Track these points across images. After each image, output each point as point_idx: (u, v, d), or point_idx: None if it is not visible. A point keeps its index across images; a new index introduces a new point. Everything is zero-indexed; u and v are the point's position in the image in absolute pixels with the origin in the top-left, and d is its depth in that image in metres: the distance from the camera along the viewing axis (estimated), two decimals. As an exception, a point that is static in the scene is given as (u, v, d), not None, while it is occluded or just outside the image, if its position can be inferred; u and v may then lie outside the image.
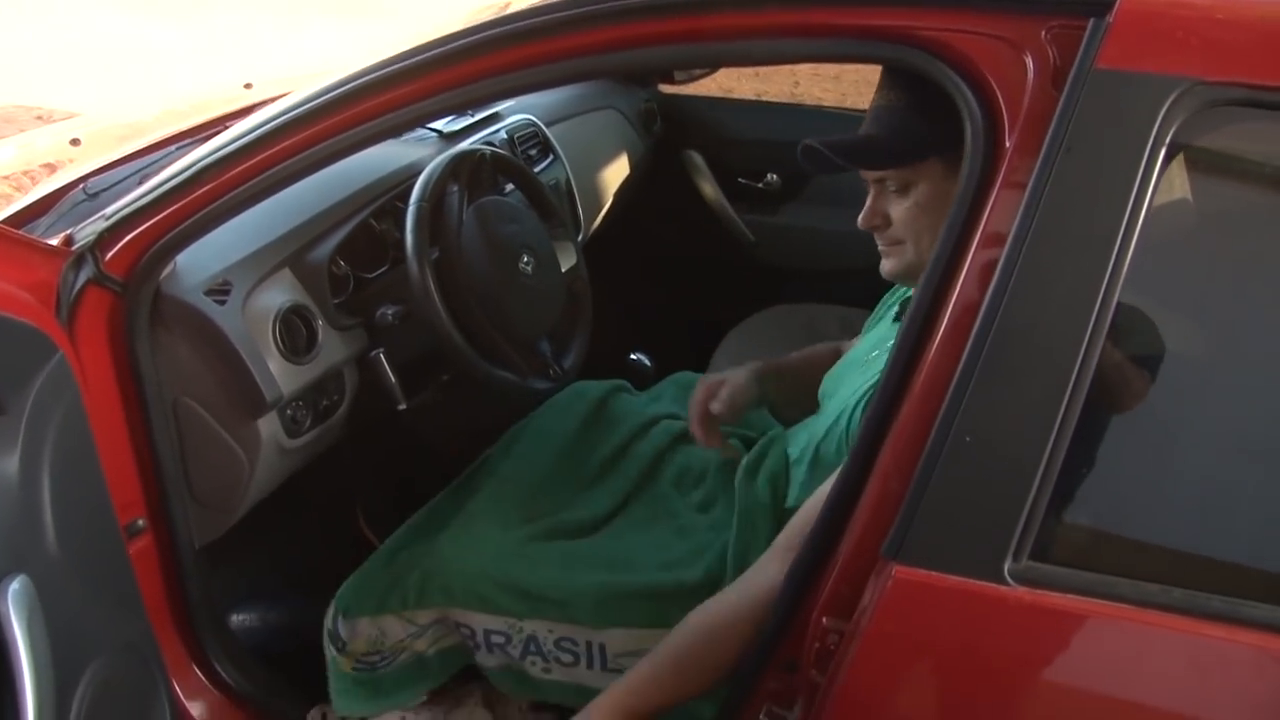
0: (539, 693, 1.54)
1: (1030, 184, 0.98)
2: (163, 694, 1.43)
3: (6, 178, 2.15)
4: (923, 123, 1.26)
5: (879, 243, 1.39)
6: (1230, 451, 1.05)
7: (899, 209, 1.33)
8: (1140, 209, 0.96)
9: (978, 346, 0.99)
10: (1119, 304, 0.97)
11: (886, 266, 1.39)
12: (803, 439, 1.56)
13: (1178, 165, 0.97)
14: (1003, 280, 0.98)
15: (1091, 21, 0.97)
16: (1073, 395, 0.97)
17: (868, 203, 1.37)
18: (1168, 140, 0.95)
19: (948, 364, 1.02)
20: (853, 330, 2.46)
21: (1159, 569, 1.02)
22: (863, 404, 1.40)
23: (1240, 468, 1.04)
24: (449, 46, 1.26)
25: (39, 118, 4.73)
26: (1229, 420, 1.04)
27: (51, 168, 2.44)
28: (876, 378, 1.33)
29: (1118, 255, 0.96)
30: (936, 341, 1.04)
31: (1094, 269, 0.97)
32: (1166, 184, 0.96)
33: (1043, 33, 1.01)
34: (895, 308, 1.54)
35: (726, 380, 1.66)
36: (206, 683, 1.65)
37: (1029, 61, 1.02)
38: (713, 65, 1.26)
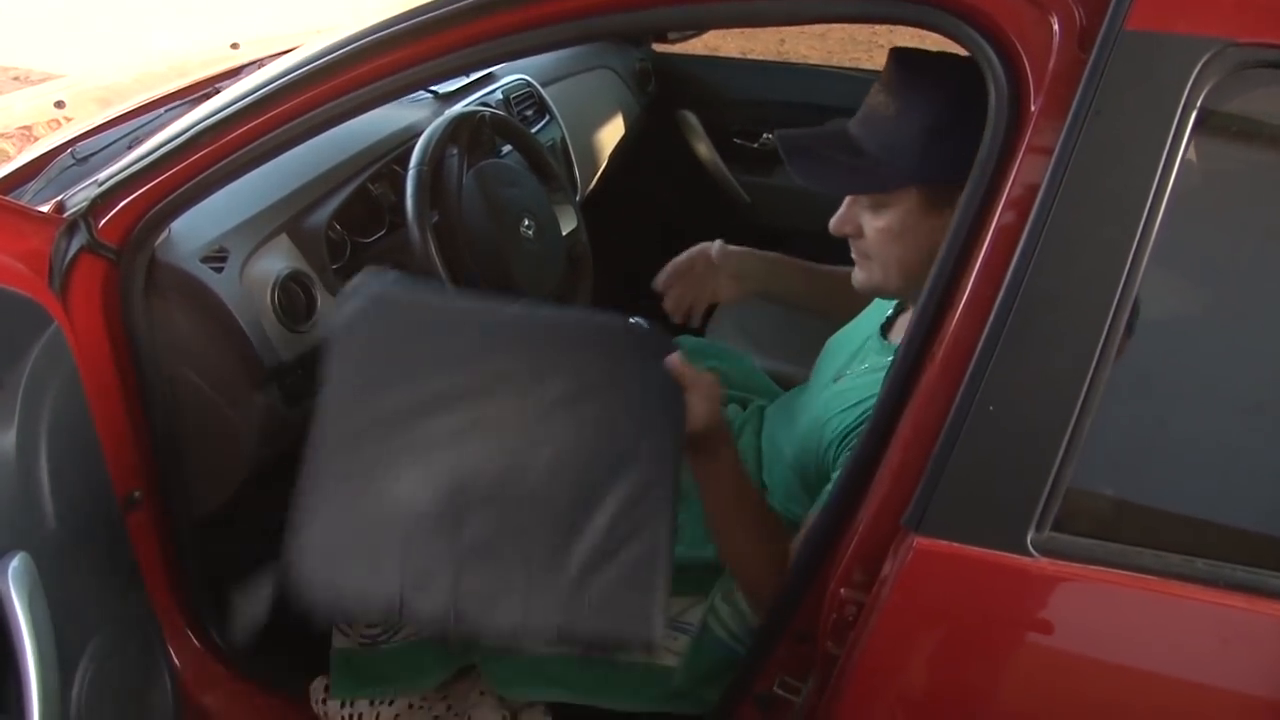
0: (532, 681, 1.49)
1: (1057, 148, 0.95)
2: (163, 667, 1.42)
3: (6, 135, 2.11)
4: (907, 144, 1.19)
5: (851, 251, 1.32)
6: (1256, 422, 1.03)
7: (871, 226, 1.26)
8: (1170, 173, 0.93)
9: (1002, 314, 0.97)
10: (1147, 271, 0.95)
11: (857, 278, 1.33)
12: (772, 449, 1.51)
13: (1209, 129, 0.94)
14: (1028, 246, 0.96)
15: (1121, -20, 0.94)
16: (1098, 364, 0.96)
17: (841, 209, 1.30)
18: (1199, 103, 0.93)
19: (970, 332, 1.00)
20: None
21: (1182, 540, 1.01)
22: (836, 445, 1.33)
23: (1265, 439, 1.03)
24: (450, 8, 1.22)
25: (16, 79, 4.64)
26: (1256, 390, 1.03)
27: (28, 129, 2.39)
28: (852, 417, 1.31)
29: (1146, 221, 0.94)
30: (959, 309, 1.01)
31: (1122, 235, 0.94)
32: (1197, 148, 0.94)
33: (1070, -8, 0.98)
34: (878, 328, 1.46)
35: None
36: (207, 654, 1.64)
37: (1055, 22, 0.99)
38: (729, 25, 1.22)
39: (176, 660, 1.56)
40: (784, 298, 1.69)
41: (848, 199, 1.28)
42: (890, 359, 1.25)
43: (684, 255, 1.62)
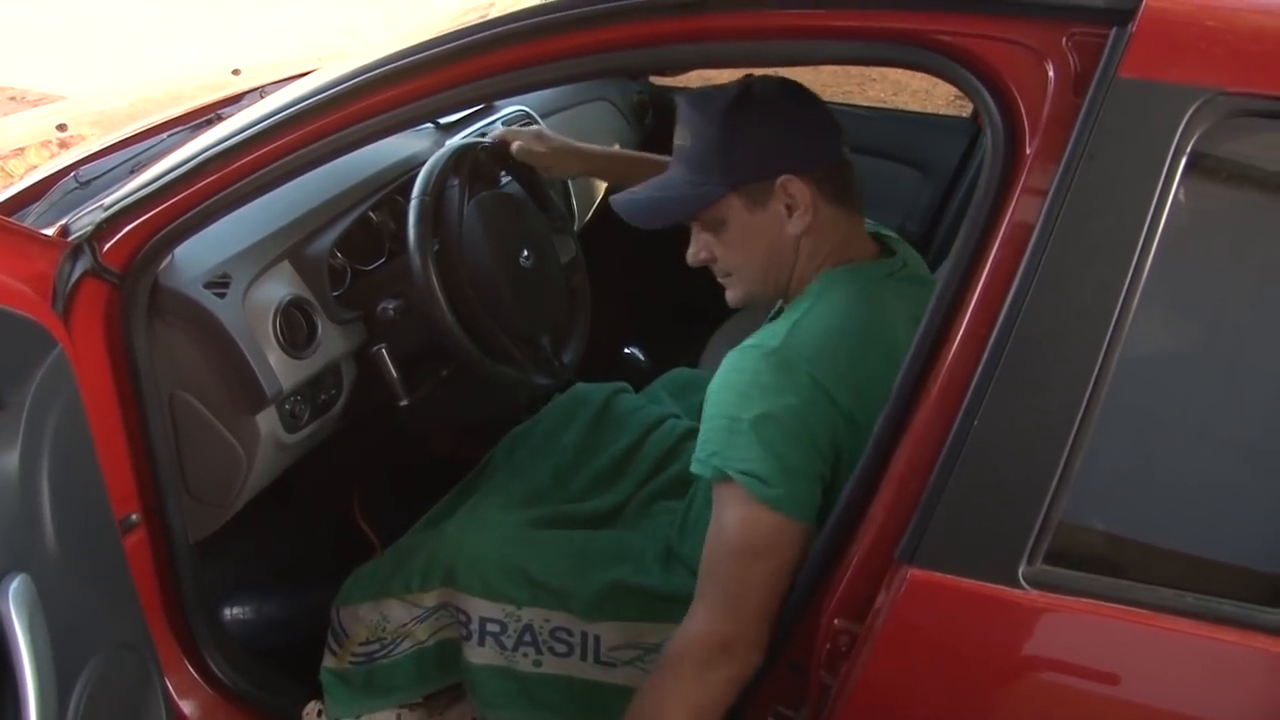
0: (519, 706, 1.52)
1: (1052, 190, 0.98)
2: (158, 691, 1.42)
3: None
4: (707, 162, 1.30)
5: (717, 276, 1.41)
6: (1246, 458, 1.06)
7: (717, 247, 1.36)
8: (1161, 217, 0.96)
9: (997, 351, 1.00)
10: (1138, 310, 0.97)
11: (732, 297, 1.41)
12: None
13: (1199, 174, 0.97)
14: (1023, 285, 0.99)
15: (1114, 30, 0.97)
16: (1090, 401, 0.98)
17: (691, 243, 1.39)
18: (1189, 149, 0.95)
19: (965, 368, 1.02)
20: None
21: (1173, 574, 1.03)
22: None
23: (1256, 474, 1.05)
24: (455, 44, 1.24)
25: (12, 98, 4.66)
26: (1246, 427, 1.05)
27: (21, 152, 2.41)
28: None
29: (1138, 262, 0.97)
30: (954, 346, 1.04)
31: (1114, 275, 0.97)
32: (1187, 193, 0.97)
33: (1064, 40, 1.01)
34: None
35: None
36: (200, 679, 1.64)
37: (1050, 69, 1.01)
38: (733, 65, 1.25)
39: (171, 685, 1.55)
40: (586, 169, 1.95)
41: (693, 233, 1.37)
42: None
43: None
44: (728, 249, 1.35)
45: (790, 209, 1.30)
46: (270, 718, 1.65)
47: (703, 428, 1.26)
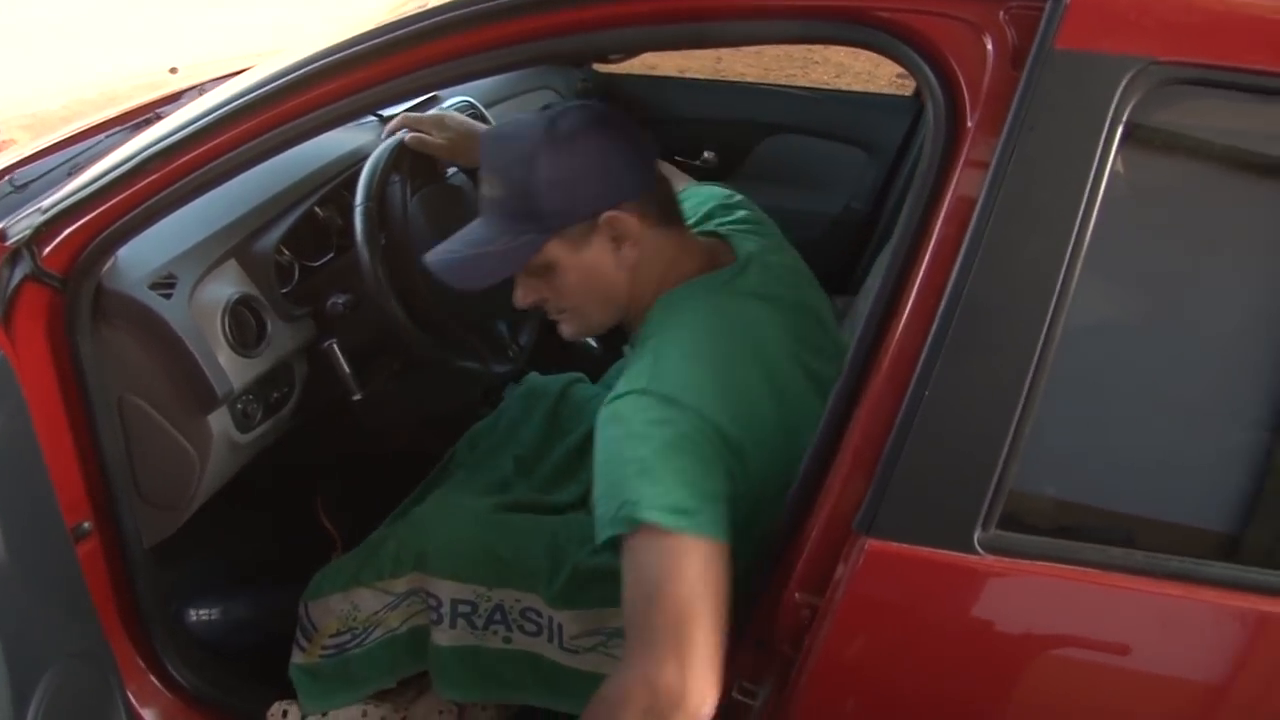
0: (484, 686, 1.52)
1: (993, 162, 1.00)
2: (118, 699, 1.40)
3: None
4: (526, 211, 1.23)
5: (549, 313, 1.36)
6: (1185, 420, 1.08)
7: (546, 289, 1.30)
8: (1100, 184, 0.98)
9: (944, 323, 1.01)
10: (1081, 279, 0.99)
11: (565, 333, 1.36)
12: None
13: (1136, 143, 0.99)
14: (968, 257, 1.00)
15: (1049, 2, 0.99)
16: (1037, 368, 1.00)
17: (516, 287, 1.32)
18: (1125, 118, 0.98)
19: (914, 341, 1.04)
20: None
21: (1122, 533, 1.06)
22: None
23: (1194, 435, 1.08)
24: (397, 34, 1.23)
25: (-60, 105, 4.55)
26: (1186, 390, 1.08)
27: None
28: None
29: (1079, 230, 0.99)
30: (903, 320, 1.05)
31: (1056, 244, 0.99)
32: (1125, 161, 0.99)
33: (1001, 13, 1.02)
34: None
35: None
36: (160, 685, 1.62)
37: (988, 42, 1.03)
38: (679, 47, 1.25)
39: (131, 692, 1.54)
40: None
41: (519, 276, 1.30)
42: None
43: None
44: (558, 291, 1.29)
45: (618, 242, 1.25)
46: (234, 720, 1.64)
47: (601, 488, 1.17)
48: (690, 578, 1.09)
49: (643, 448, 1.15)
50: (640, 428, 1.16)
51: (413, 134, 1.67)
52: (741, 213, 1.46)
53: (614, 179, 1.24)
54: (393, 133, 1.69)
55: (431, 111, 1.71)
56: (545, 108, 1.27)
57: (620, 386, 1.21)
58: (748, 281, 1.30)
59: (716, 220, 1.45)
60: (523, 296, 1.32)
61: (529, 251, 1.25)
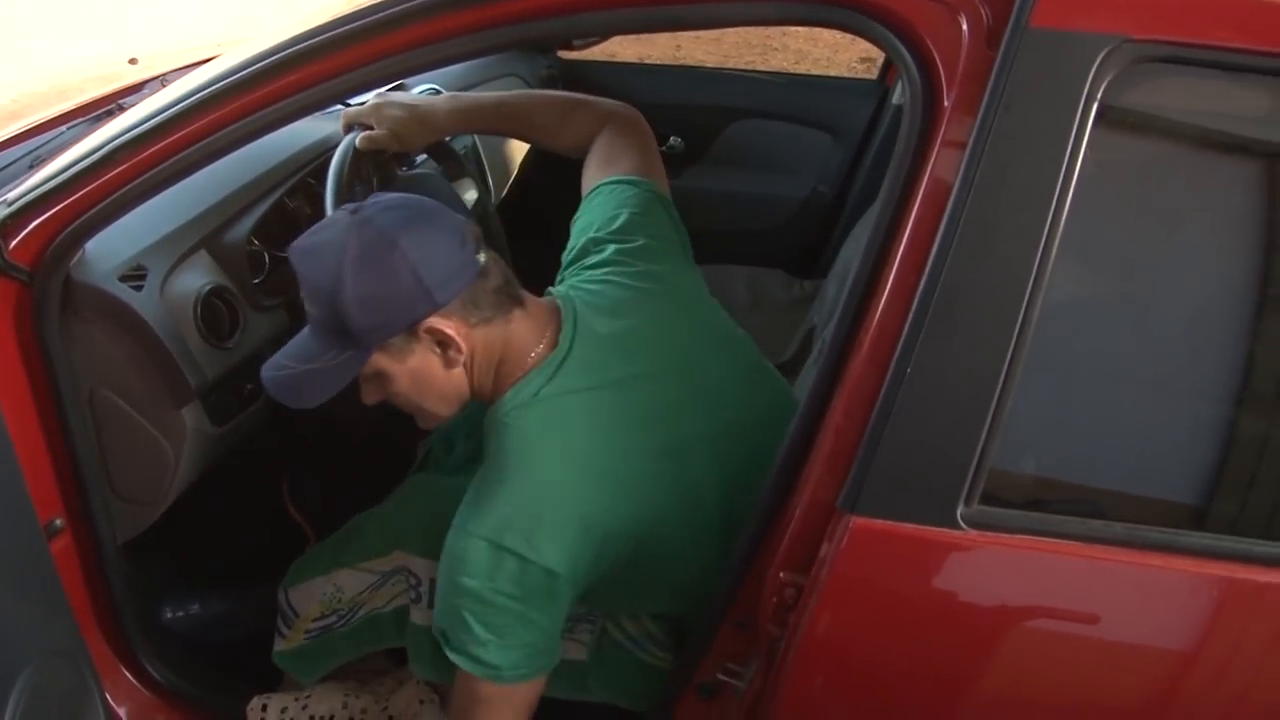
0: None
1: (970, 141, 1.01)
2: (95, 697, 1.39)
3: None
4: (342, 330, 1.20)
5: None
6: (1160, 395, 1.10)
7: (385, 391, 1.29)
8: (1076, 163, 0.99)
9: (924, 302, 1.02)
10: (1058, 257, 1.00)
11: (419, 423, 1.35)
12: None
13: (1110, 121, 1.00)
14: (946, 236, 1.01)
15: (1023, -19, 1.00)
16: (1016, 345, 1.02)
17: (361, 387, 1.30)
18: (1099, 96, 0.99)
19: (895, 320, 1.05)
20: (760, 290, 2.50)
21: (1101, 506, 1.08)
22: None
23: (1169, 411, 1.10)
24: (362, 23, 1.23)
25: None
26: (1161, 365, 1.10)
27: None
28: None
29: (1055, 208, 1.00)
30: (883, 299, 1.06)
31: (1034, 222, 1.00)
32: (1100, 139, 1.00)
33: (976, -8, 1.03)
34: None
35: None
36: (137, 683, 1.61)
37: (963, 21, 1.04)
38: (649, 30, 1.24)
39: (108, 690, 1.52)
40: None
41: (360, 379, 1.28)
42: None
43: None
44: (395, 395, 1.28)
45: (443, 346, 1.22)
46: (214, 716, 1.63)
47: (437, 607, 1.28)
48: (495, 709, 1.25)
49: (463, 598, 1.21)
50: (465, 577, 1.20)
51: (361, 134, 1.60)
52: (610, 249, 1.42)
53: (425, 287, 1.17)
54: (347, 130, 1.63)
55: (369, 100, 1.63)
56: (354, 211, 1.21)
57: (460, 513, 1.25)
58: (568, 379, 1.27)
59: (578, 265, 1.44)
60: (366, 395, 1.30)
61: (352, 369, 1.23)
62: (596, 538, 1.22)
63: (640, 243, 1.42)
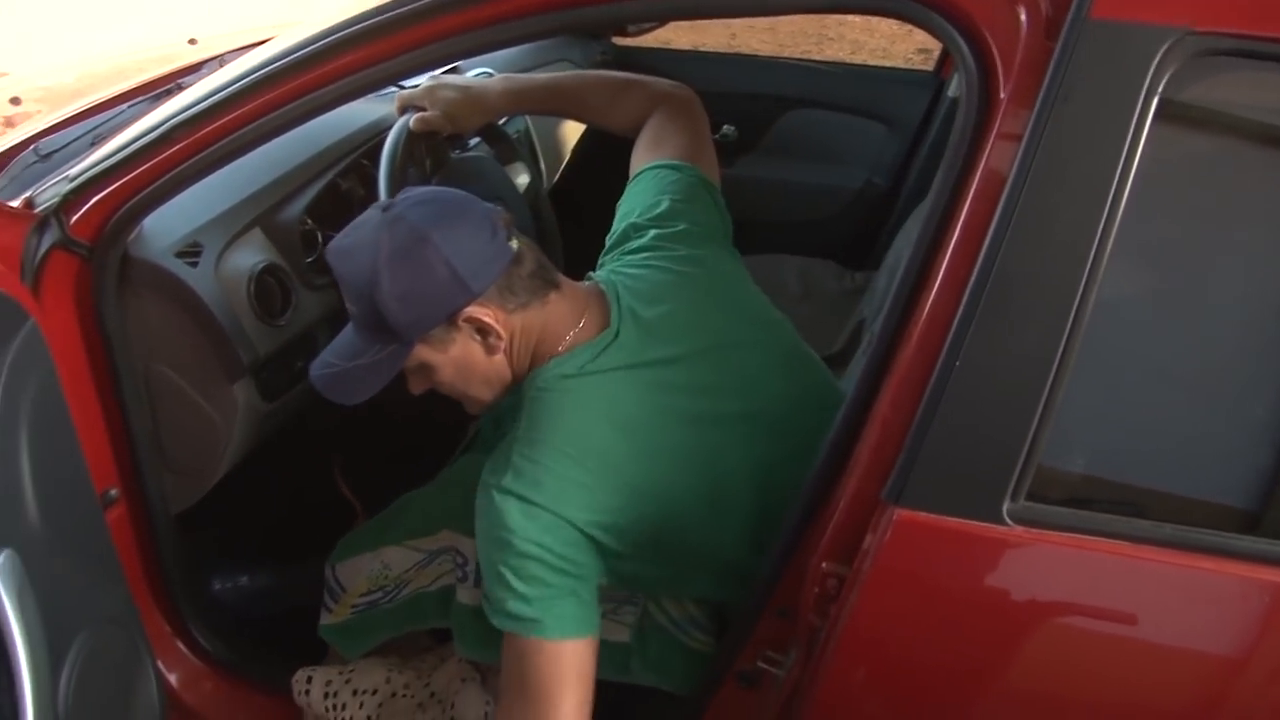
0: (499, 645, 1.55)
1: (1026, 133, 0.99)
2: (148, 665, 1.42)
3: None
4: (381, 326, 1.22)
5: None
6: (1217, 396, 1.08)
7: (430, 381, 1.32)
8: (1134, 156, 0.98)
9: (976, 294, 1.01)
10: (1114, 251, 0.99)
11: (468, 409, 1.38)
12: None
13: (1171, 114, 0.99)
14: (1000, 227, 1.00)
15: (1084, -28, 0.98)
16: (1069, 339, 1.00)
17: (407, 380, 1.33)
18: (1160, 89, 0.97)
19: (945, 311, 1.04)
20: (812, 280, 2.49)
21: (1150, 506, 1.06)
22: None
23: (1224, 412, 1.08)
24: (416, 5, 1.23)
25: (-48, 78, 4.54)
26: (1218, 365, 1.08)
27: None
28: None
29: (1112, 202, 0.98)
30: (934, 290, 1.05)
31: (1090, 215, 0.99)
32: (1161, 133, 0.98)
33: (1035, -18, 1.02)
34: None
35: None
36: (187, 652, 1.64)
37: (1022, 12, 1.03)
38: (707, 15, 1.24)
39: (159, 658, 1.55)
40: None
41: (405, 371, 1.30)
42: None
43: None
44: (440, 383, 1.31)
45: (483, 334, 1.25)
46: (260, 687, 1.66)
47: (481, 565, 1.27)
48: (544, 671, 1.20)
49: (501, 553, 1.21)
50: (501, 532, 1.21)
51: (416, 116, 1.62)
52: (650, 234, 1.43)
53: (462, 278, 1.19)
54: (401, 113, 1.65)
55: (423, 82, 1.65)
56: (385, 209, 1.23)
57: (488, 472, 1.25)
58: (613, 357, 1.28)
59: (619, 250, 1.44)
60: (412, 386, 1.34)
61: (396, 363, 1.26)
62: (627, 497, 1.23)
63: (681, 228, 1.43)
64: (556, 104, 1.71)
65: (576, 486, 1.22)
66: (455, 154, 1.75)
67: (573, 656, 1.22)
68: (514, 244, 1.25)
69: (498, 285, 1.23)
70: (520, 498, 1.21)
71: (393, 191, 1.56)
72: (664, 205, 1.45)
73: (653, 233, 1.43)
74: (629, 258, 1.42)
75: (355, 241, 1.23)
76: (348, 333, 1.30)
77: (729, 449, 1.30)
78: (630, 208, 1.49)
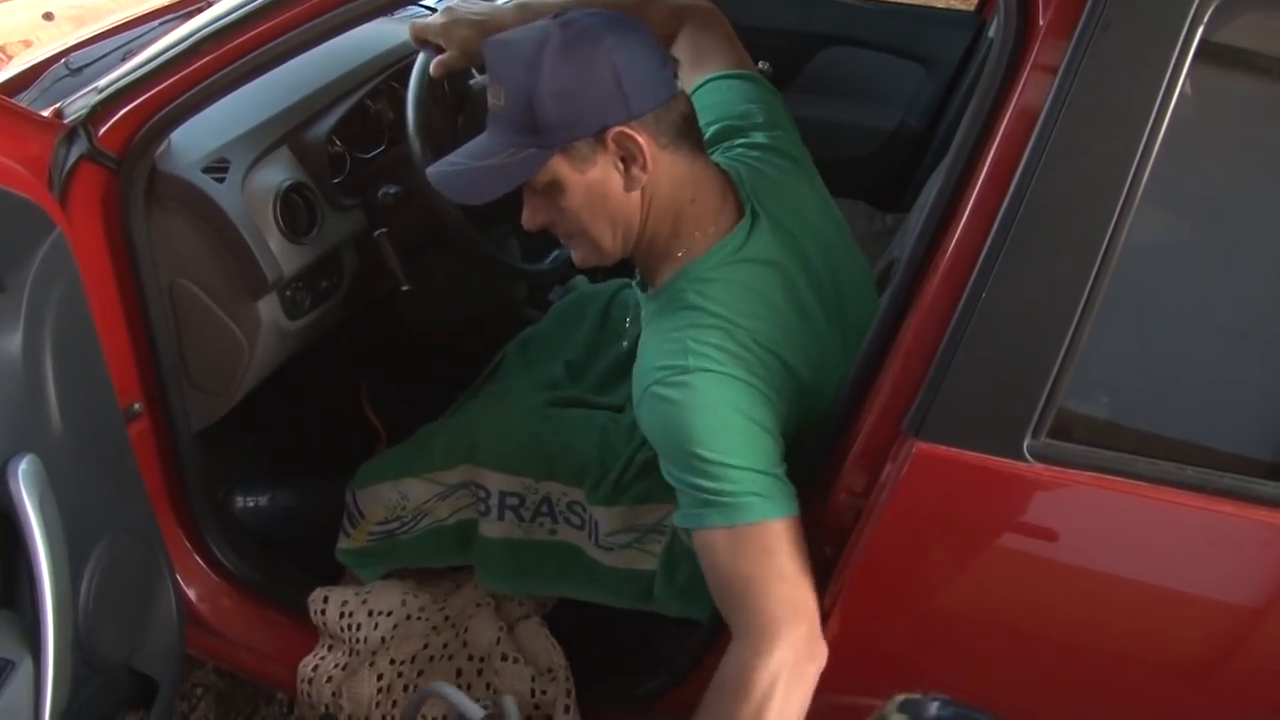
0: (527, 578, 1.57)
1: (1064, 61, 0.97)
2: (166, 576, 1.44)
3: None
4: (526, 124, 1.15)
5: (560, 238, 1.29)
6: (1248, 338, 1.06)
7: (554, 209, 1.23)
8: (1175, 89, 0.95)
9: (1005, 225, 0.99)
10: (1147, 186, 0.97)
11: (576, 258, 1.30)
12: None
13: (1215, 47, 0.95)
14: (1033, 158, 0.98)
15: (1131, -108, 0.95)
16: (1098, 275, 0.98)
17: (525, 206, 1.26)
18: (1205, 18, 0.94)
19: (973, 242, 1.02)
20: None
21: (1173, 448, 1.04)
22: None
23: (1254, 356, 1.06)
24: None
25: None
26: (1249, 309, 1.05)
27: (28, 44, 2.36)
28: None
29: (1149, 136, 0.96)
30: (963, 220, 1.03)
31: (1125, 149, 0.96)
32: (1203, 66, 0.95)
33: (1080, -97, 0.98)
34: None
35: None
36: (205, 567, 1.66)
37: (1065, -65, 1.00)
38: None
39: (179, 571, 1.57)
40: None
41: (526, 195, 1.24)
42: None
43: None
44: (564, 213, 1.22)
45: (626, 162, 1.17)
46: (277, 605, 1.68)
47: (668, 464, 1.18)
48: (773, 557, 1.11)
49: (692, 441, 1.13)
50: (690, 418, 1.13)
51: (435, 62, 1.49)
52: (756, 136, 1.37)
53: (623, 92, 1.13)
54: (418, 45, 1.55)
55: (437, 16, 1.53)
56: (558, 14, 1.17)
57: (658, 364, 1.18)
58: (754, 248, 1.23)
59: (726, 144, 1.38)
60: (529, 216, 1.26)
61: (530, 167, 1.17)
62: (789, 384, 1.19)
63: (779, 133, 1.39)
64: None
65: (760, 360, 1.17)
66: (473, 83, 1.72)
67: (789, 535, 1.12)
68: (677, 84, 1.19)
69: (655, 114, 1.16)
70: (714, 371, 1.15)
71: (423, 89, 1.51)
72: (757, 110, 1.40)
73: (757, 136, 1.37)
74: (740, 152, 1.36)
75: (521, 35, 1.16)
76: (482, 136, 1.22)
77: (831, 355, 1.24)
78: (721, 102, 1.42)
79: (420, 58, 1.55)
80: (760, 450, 1.13)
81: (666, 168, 1.19)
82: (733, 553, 1.13)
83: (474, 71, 1.72)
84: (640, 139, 1.15)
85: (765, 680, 1.07)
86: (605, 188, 1.19)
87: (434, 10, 1.87)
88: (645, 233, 1.23)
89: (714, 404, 1.13)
